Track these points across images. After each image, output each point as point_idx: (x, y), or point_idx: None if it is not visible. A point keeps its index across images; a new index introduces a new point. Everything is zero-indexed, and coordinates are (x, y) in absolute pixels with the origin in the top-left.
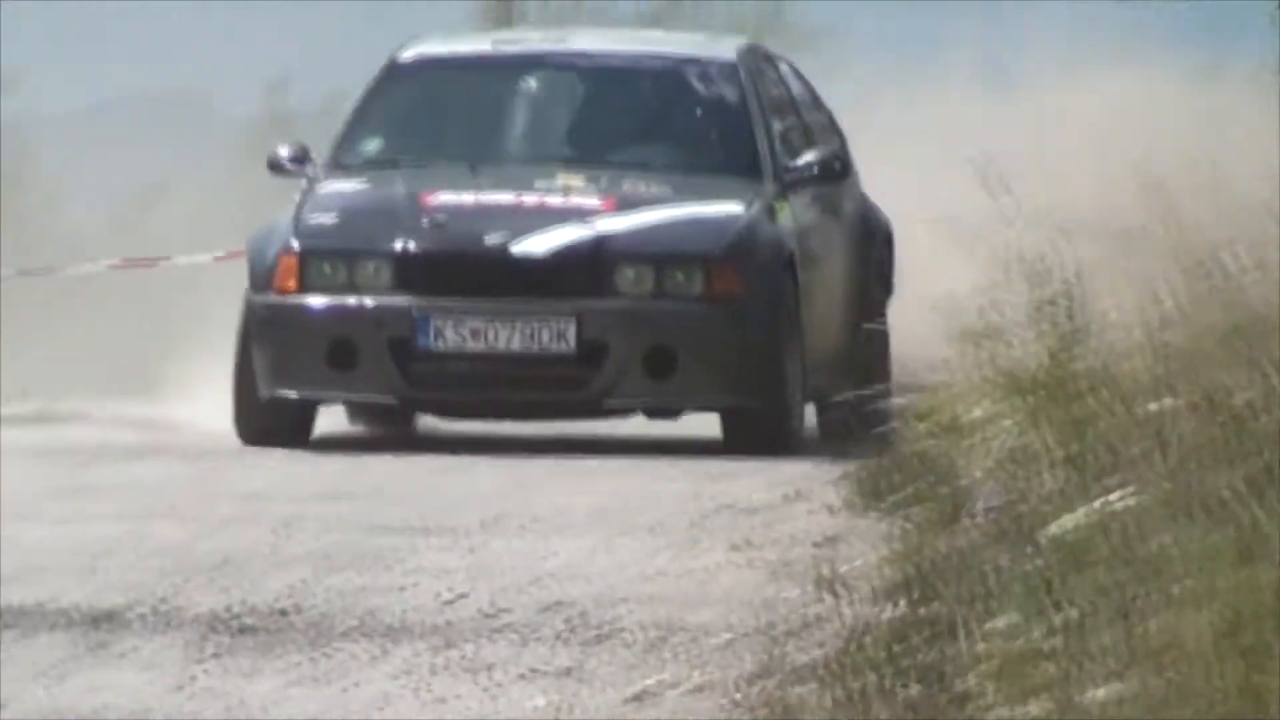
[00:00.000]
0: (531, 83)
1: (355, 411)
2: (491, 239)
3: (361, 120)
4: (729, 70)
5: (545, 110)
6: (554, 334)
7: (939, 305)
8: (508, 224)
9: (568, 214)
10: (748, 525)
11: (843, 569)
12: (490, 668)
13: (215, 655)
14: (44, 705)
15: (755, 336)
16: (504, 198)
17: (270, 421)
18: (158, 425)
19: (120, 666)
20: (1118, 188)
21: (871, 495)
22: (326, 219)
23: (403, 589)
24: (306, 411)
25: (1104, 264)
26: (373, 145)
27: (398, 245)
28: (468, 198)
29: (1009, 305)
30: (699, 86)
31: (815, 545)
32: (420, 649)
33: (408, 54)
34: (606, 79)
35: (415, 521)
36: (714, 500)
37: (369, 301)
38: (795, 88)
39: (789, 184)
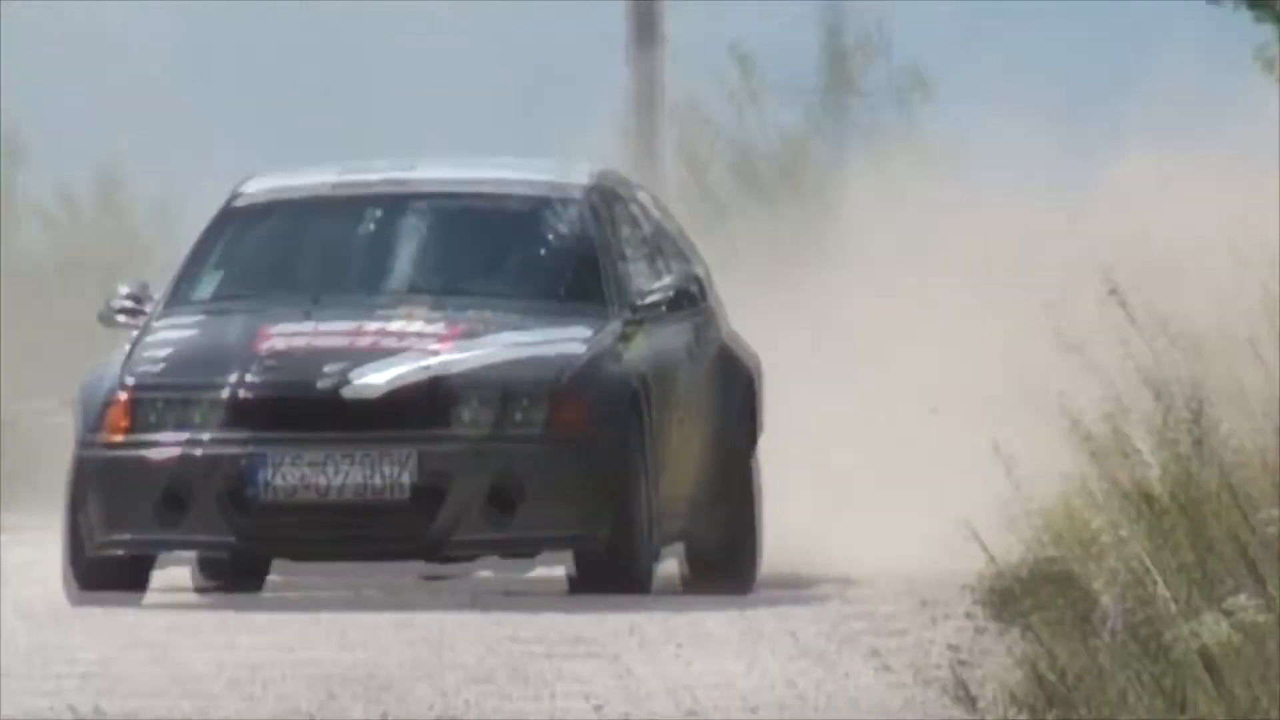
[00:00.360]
0: (374, 217)
1: (202, 565)
2: (326, 376)
3: (198, 259)
4: (577, 202)
5: (387, 244)
6: (391, 474)
7: (1063, 416)
8: (345, 359)
9: (407, 346)
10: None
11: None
12: None
13: None
14: None
15: (600, 472)
16: (342, 329)
17: (104, 575)
18: None
19: None
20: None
21: (1001, 605)
22: (158, 360)
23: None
24: (142, 563)
25: (1222, 373)
26: (210, 284)
27: (230, 386)
28: (305, 330)
29: (1133, 417)
30: (545, 218)
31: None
32: None
33: (246, 190)
34: (450, 213)
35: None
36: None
37: (200, 447)
38: (653, 216)
39: (639, 317)
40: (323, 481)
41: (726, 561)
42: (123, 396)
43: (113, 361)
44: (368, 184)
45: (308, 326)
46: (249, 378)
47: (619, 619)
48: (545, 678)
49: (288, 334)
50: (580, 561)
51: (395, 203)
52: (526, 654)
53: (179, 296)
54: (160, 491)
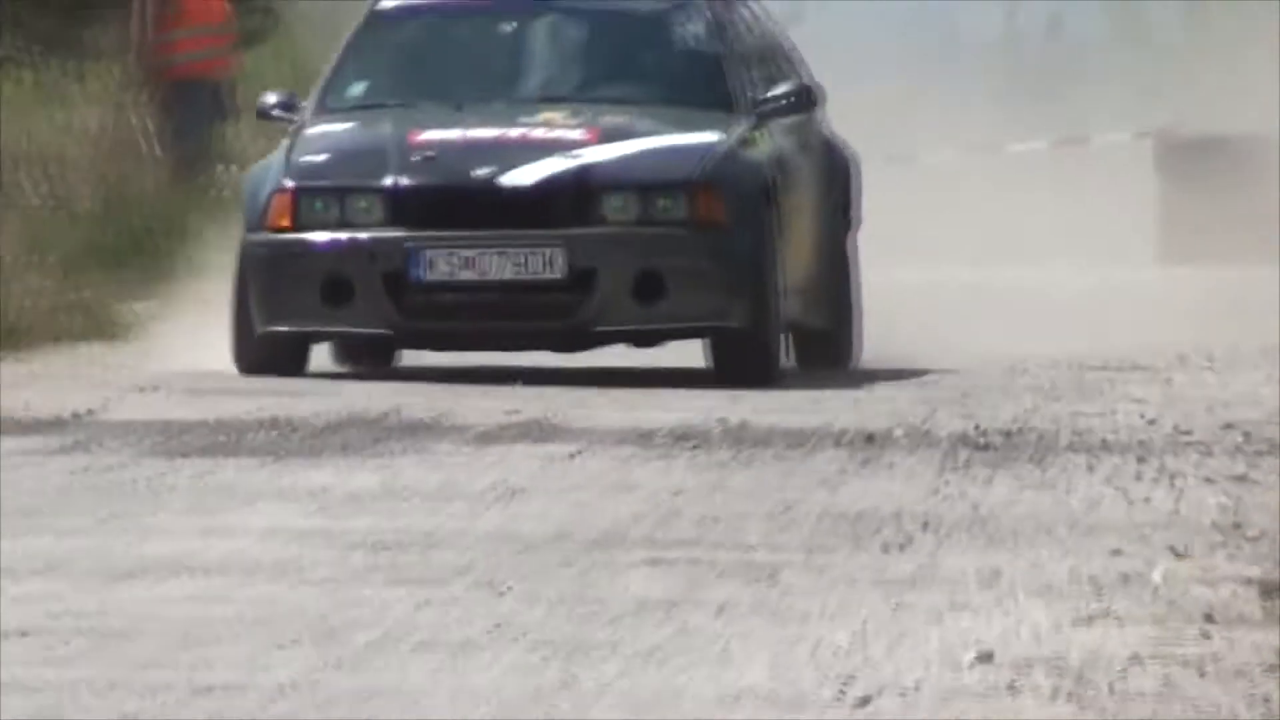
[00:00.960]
0: (510, 26)
1: (340, 351)
2: (479, 172)
3: (345, 66)
4: (700, 10)
5: (525, 52)
6: (544, 262)
7: None
8: (495, 158)
9: (553, 146)
10: None
11: None
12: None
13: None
14: (824, 505)
15: (739, 261)
16: (489, 133)
17: (265, 355)
18: None
19: (886, 476)
20: None
21: None
22: (317, 158)
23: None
24: (301, 346)
25: None
26: (358, 89)
27: (388, 181)
28: (454, 134)
29: None
30: (673, 25)
31: None
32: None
33: (388, 2)
34: (583, 20)
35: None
36: None
37: (362, 236)
38: (764, 26)
39: (763, 115)
40: (479, 270)
41: (826, 349)
42: (285, 192)
43: (272, 160)
44: None
45: (455, 130)
46: (406, 171)
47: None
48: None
49: (438, 134)
50: (717, 347)
51: (531, 11)
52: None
53: (328, 101)
54: (322, 282)
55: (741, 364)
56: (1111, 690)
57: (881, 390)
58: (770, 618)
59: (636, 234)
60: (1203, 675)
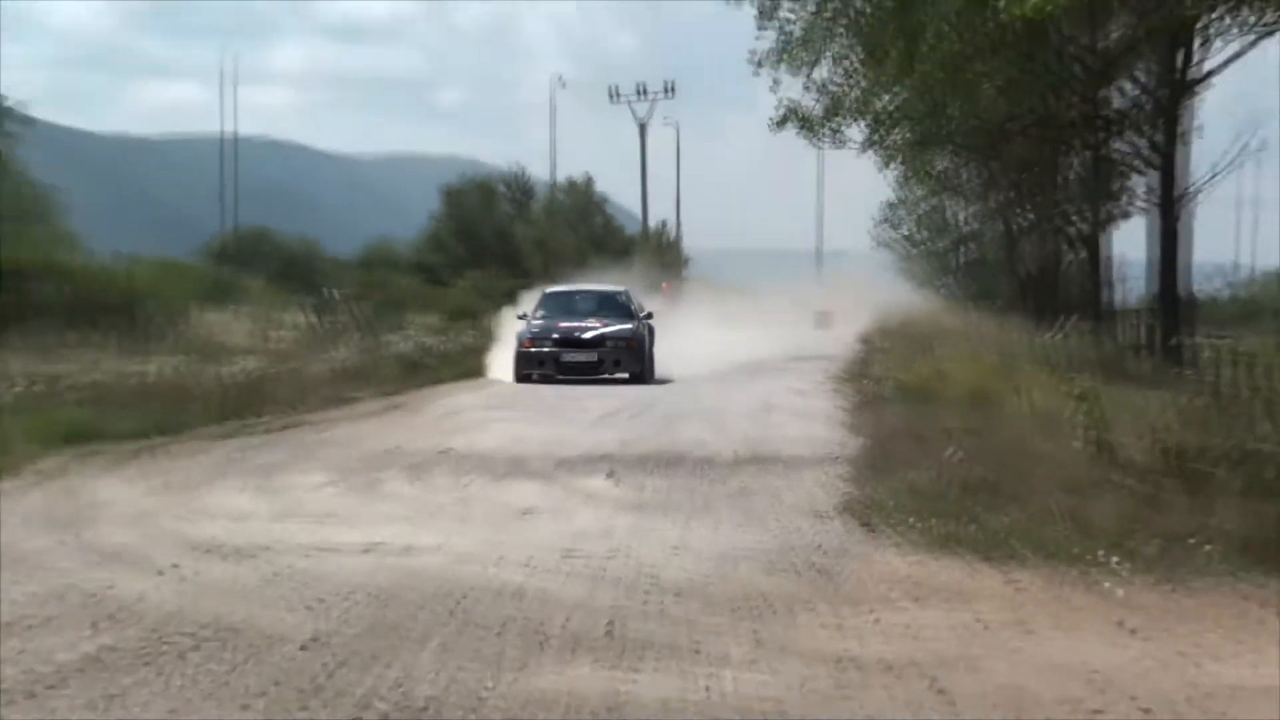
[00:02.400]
0: (576, 297)
1: (517, 377)
2: (580, 334)
3: (539, 306)
4: (624, 293)
5: (578, 301)
6: (592, 356)
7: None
8: (579, 331)
9: (594, 328)
10: None
11: None
12: None
13: None
14: (663, 403)
15: (641, 357)
16: (576, 324)
17: (521, 378)
18: None
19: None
20: None
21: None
22: (533, 329)
23: None
24: (529, 377)
25: None
26: (543, 311)
27: (555, 335)
28: (566, 324)
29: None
30: (618, 296)
31: None
32: None
33: (549, 290)
34: (592, 294)
35: None
36: None
37: (546, 349)
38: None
39: (640, 320)
40: (577, 359)
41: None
42: (526, 340)
43: (523, 328)
44: (578, 287)
45: (566, 323)
46: (555, 335)
47: None
48: None
49: (562, 323)
50: (632, 378)
51: (575, 294)
52: None
53: (534, 314)
54: (532, 362)
55: (640, 380)
56: (789, 408)
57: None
58: (679, 423)
59: (617, 350)
60: (808, 399)
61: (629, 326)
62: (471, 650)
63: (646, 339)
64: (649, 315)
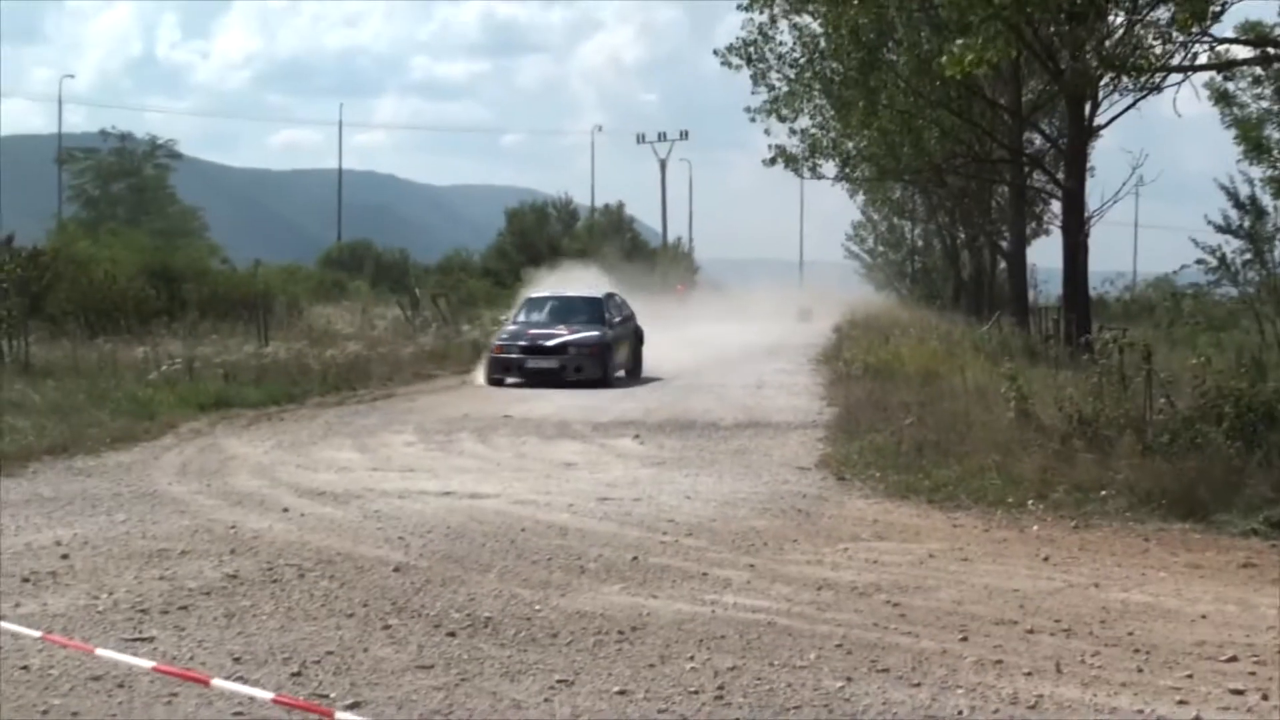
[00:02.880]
0: (552, 303)
1: (491, 379)
2: (541, 341)
3: (519, 310)
4: (603, 297)
5: (554, 307)
6: (556, 363)
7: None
8: (548, 338)
9: (561, 335)
10: None
11: None
12: None
13: None
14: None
15: (605, 362)
16: (547, 331)
17: (491, 381)
18: None
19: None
20: None
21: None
22: (504, 336)
23: None
24: (500, 381)
25: None
26: (521, 315)
27: (523, 342)
28: (538, 330)
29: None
30: (594, 299)
31: None
32: None
33: (529, 295)
34: (568, 299)
35: None
36: None
37: (513, 355)
38: (619, 299)
39: (615, 325)
40: (543, 365)
41: (636, 374)
42: (496, 346)
43: (498, 332)
44: (551, 292)
45: (538, 330)
46: (525, 340)
47: None
48: None
49: (534, 330)
50: (597, 383)
51: (556, 299)
52: None
53: (512, 318)
54: (500, 367)
55: (603, 383)
56: (777, 384)
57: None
58: (690, 396)
59: (579, 357)
60: (792, 377)
61: (595, 334)
62: (525, 576)
63: (614, 345)
64: (630, 318)
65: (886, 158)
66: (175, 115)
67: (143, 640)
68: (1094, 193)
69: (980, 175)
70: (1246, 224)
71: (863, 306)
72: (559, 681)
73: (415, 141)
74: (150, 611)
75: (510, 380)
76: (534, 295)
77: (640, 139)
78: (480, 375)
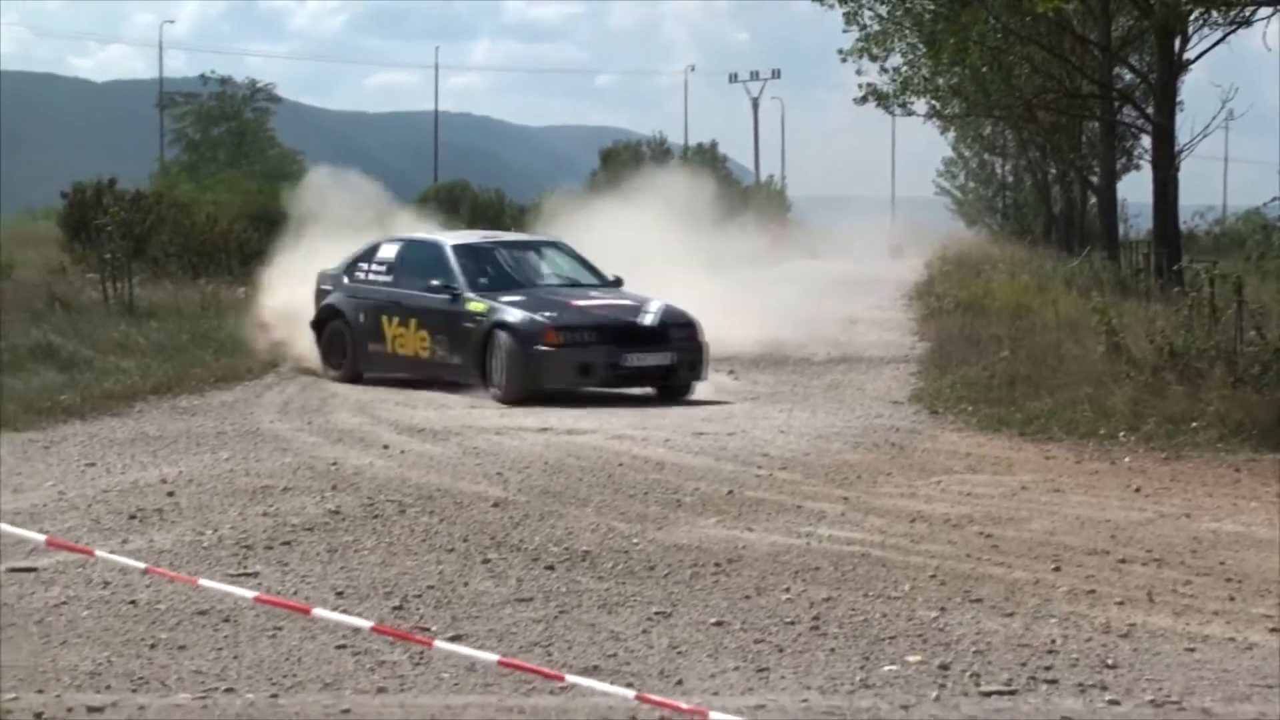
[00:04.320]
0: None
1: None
2: (631, 318)
3: (455, 263)
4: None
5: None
6: None
7: None
8: (624, 311)
9: (632, 307)
10: None
11: None
12: None
13: None
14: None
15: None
16: (598, 302)
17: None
18: None
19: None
20: None
21: None
22: (551, 314)
23: None
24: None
25: None
26: (480, 277)
27: (594, 323)
28: (584, 302)
29: None
30: (543, 246)
31: None
32: None
33: (456, 242)
34: (525, 247)
35: None
36: None
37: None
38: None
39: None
40: None
41: None
42: (549, 331)
43: (482, 307)
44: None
45: (584, 304)
46: (591, 321)
47: None
48: None
49: (580, 301)
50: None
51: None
52: None
53: (471, 284)
54: (568, 369)
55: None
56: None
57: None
58: (783, 332)
59: (685, 343)
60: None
61: (664, 305)
62: (622, 510)
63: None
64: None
65: (977, 94)
66: (273, 59)
67: (247, 575)
68: (1184, 127)
69: (1070, 111)
70: None
71: (954, 243)
72: (656, 613)
73: (510, 83)
74: (254, 547)
75: (575, 383)
76: (460, 242)
77: (733, 78)
78: (500, 386)
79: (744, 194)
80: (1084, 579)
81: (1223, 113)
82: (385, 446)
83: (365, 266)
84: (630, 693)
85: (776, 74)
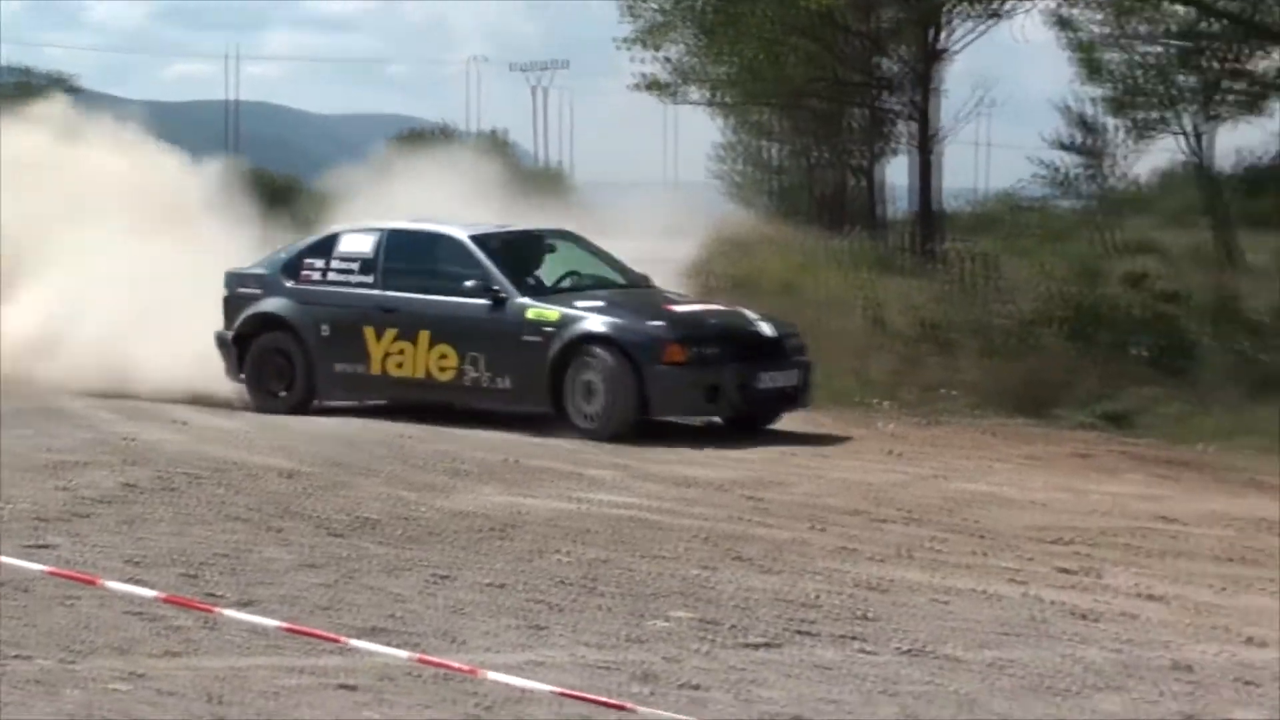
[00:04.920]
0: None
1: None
2: (752, 327)
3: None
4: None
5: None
6: None
7: None
8: (739, 322)
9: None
10: None
11: None
12: None
13: None
14: None
15: None
16: (698, 309)
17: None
18: None
19: None
20: None
21: None
22: (670, 320)
23: None
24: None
25: None
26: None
27: (711, 333)
28: (682, 309)
29: None
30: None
31: None
32: None
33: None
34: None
35: None
36: None
37: None
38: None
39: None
40: None
41: None
42: (671, 344)
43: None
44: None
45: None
46: (707, 331)
47: None
48: None
49: (678, 307)
50: None
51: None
52: None
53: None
54: (694, 392)
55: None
56: None
57: None
58: None
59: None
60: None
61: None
62: (408, 480)
63: None
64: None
65: (753, 84)
66: (74, 50)
67: (42, 547)
68: (948, 113)
69: (838, 98)
70: (1085, 141)
71: (729, 224)
72: (437, 576)
73: (308, 73)
74: (50, 520)
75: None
76: (480, 233)
77: (513, 67)
78: (594, 417)
79: (527, 178)
80: (844, 538)
81: (979, 101)
82: (182, 422)
83: (319, 264)
84: (406, 653)
85: (565, 64)
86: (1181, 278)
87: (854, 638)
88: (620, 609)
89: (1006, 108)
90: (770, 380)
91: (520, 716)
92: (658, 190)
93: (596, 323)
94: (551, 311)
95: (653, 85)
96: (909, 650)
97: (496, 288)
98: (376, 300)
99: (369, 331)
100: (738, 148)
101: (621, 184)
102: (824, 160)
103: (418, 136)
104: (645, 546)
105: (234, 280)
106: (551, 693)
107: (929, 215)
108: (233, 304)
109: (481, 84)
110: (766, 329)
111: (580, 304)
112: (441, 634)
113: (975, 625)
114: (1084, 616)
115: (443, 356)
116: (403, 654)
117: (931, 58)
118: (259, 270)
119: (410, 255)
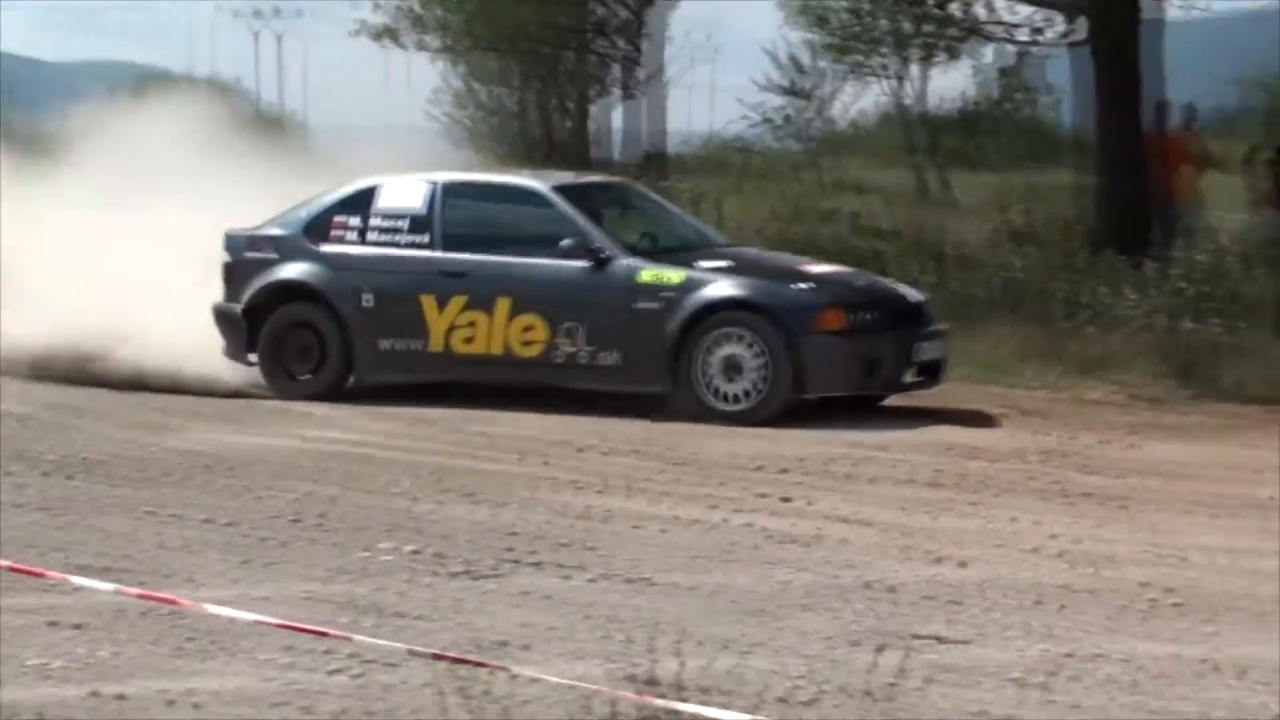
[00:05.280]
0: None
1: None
2: (906, 294)
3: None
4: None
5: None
6: None
7: None
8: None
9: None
10: None
11: None
12: None
13: None
14: None
15: None
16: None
17: None
18: None
19: None
20: None
21: None
22: (838, 287)
23: None
24: None
25: None
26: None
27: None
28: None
29: None
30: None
31: None
32: None
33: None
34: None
35: None
36: None
37: None
38: None
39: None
40: None
41: None
42: (833, 309)
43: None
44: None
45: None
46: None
47: None
48: None
49: (835, 275)
50: None
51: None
52: None
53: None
54: (857, 364)
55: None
56: None
57: None
58: None
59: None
60: None
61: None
62: (141, 422)
63: None
64: None
65: (481, 30)
66: None
67: None
68: (678, 59)
69: (550, 42)
70: (794, 84)
71: (464, 168)
72: (147, 513)
73: (29, 19)
74: None
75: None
76: (562, 183)
77: (236, 14)
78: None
79: (256, 124)
80: (570, 471)
81: (689, 44)
82: None
83: (354, 222)
84: (110, 585)
85: (299, 13)
86: (891, 216)
87: (579, 566)
88: (329, 541)
89: (735, 53)
90: (923, 353)
91: (238, 649)
92: (392, 133)
93: (733, 285)
94: (673, 274)
95: (388, 33)
96: (605, 574)
97: (598, 246)
98: (438, 264)
99: (428, 301)
100: (451, 91)
101: (357, 127)
102: (555, 106)
103: (142, 81)
104: (360, 481)
105: (239, 243)
106: (272, 624)
107: (655, 158)
108: (238, 271)
109: (222, 35)
110: (912, 294)
111: (704, 264)
112: (151, 569)
113: (671, 549)
114: (796, 541)
115: (528, 329)
116: (107, 586)
117: (645, 2)
118: (273, 231)
119: (475, 211)
